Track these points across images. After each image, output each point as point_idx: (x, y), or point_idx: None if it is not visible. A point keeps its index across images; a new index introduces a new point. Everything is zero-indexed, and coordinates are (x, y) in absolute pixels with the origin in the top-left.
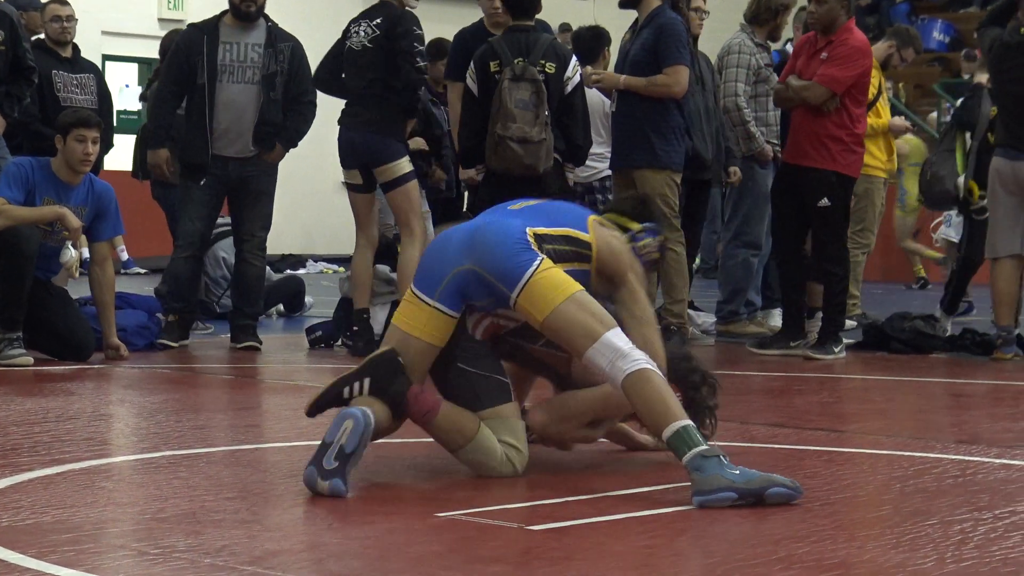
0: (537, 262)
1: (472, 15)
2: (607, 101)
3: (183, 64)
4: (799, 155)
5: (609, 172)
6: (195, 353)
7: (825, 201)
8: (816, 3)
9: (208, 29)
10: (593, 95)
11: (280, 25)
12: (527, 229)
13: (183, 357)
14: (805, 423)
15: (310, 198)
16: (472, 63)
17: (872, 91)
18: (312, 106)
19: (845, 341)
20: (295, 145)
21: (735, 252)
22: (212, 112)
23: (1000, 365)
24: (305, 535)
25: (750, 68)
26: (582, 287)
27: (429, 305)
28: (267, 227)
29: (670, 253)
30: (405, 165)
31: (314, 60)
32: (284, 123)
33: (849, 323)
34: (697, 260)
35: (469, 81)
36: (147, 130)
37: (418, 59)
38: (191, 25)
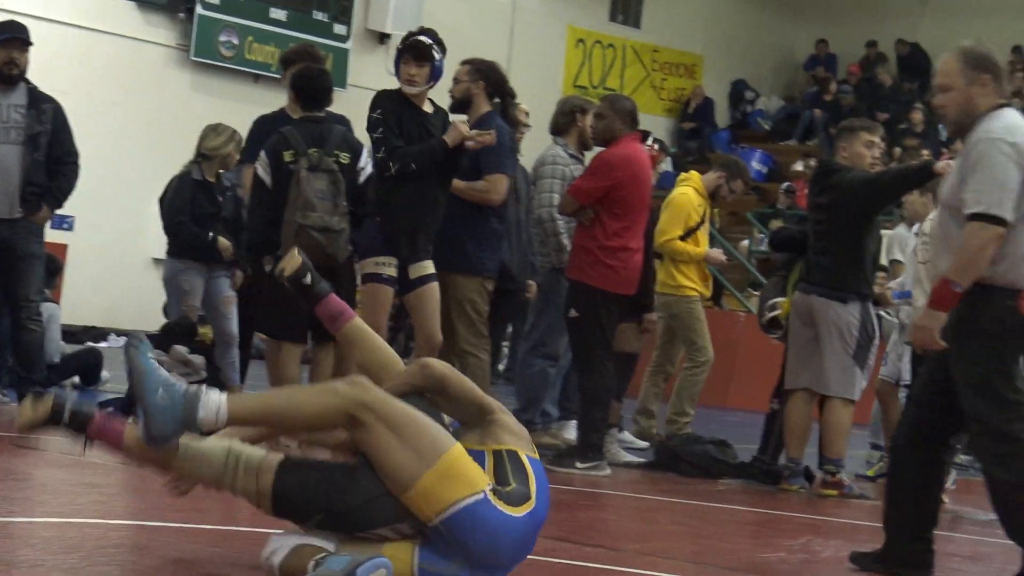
0: None
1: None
2: None
3: None
4: (568, 265)
5: None
6: None
7: (573, 312)
8: (596, 118)
9: None
10: None
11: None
12: None
13: None
14: (586, 539)
15: (120, 272)
16: (264, 152)
17: (695, 218)
18: (76, 167)
19: (634, 459)
20: (60, 206)
21: (533, 362)
22: None
23: (786, 496)
24: None
25: (564, 179)
26: None
27: None
28: (41, 291)
29: (472, 359)
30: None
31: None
32: (49, 184)
33: (641, 443)
34: (500, 366)
35: (260, 170)
36: None
37: None
38: None
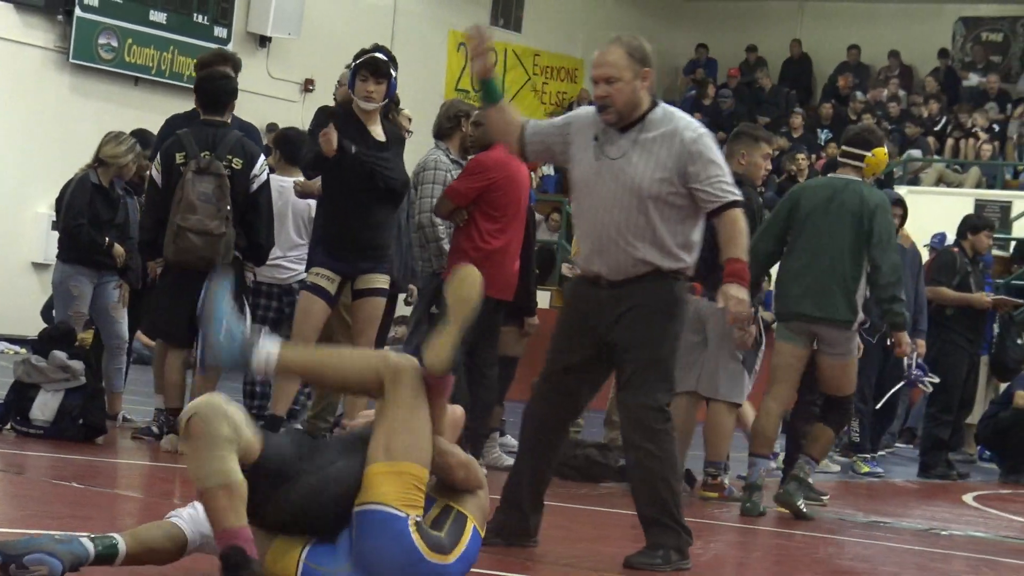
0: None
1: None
2: (312, 204)
3: None
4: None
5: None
6: None
7: (435, 310)
8: (473, 126)
9: None
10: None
11: None
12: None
13: None
14: None
15: None
16: (158, 154)
17: None
18: None
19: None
20: None
21: None
22: None
23: None
24: None
25: (445, 184)
26: None
27: None
28: None
29: None
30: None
31: None
32: None
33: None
34: None
35: (154, 172)
36: None
37: None
38: None
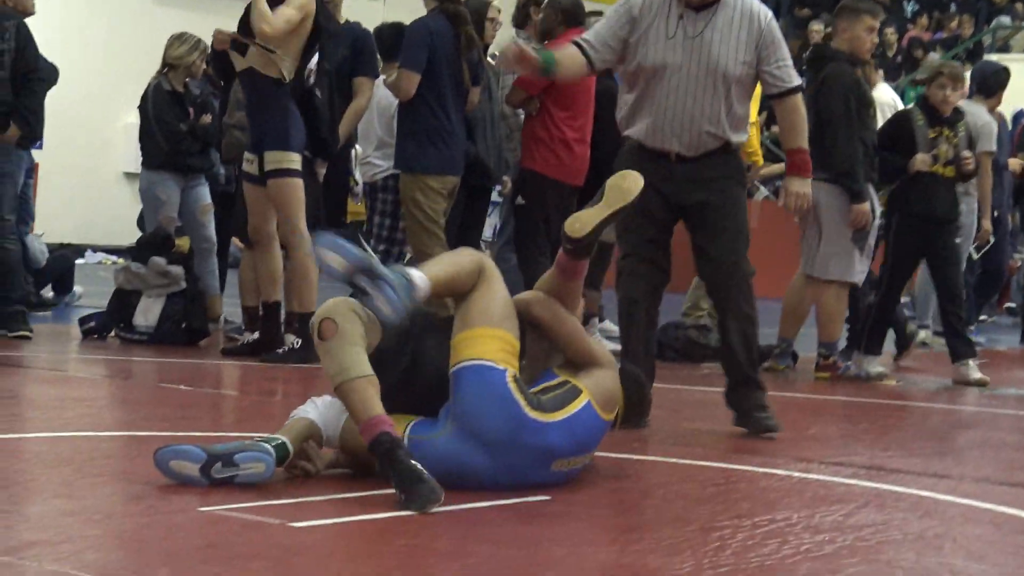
0: None
1: None
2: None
3: None
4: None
5: (394, 171)
6: None
7: (520, 199)
8: (539, 15)
9: None
10: (385, 95)
11: None
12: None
13: None
14: None
15: (91, 188)
16: None
17: None
18: (41, 83)
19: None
20: (30, 124)
21: (508, 256)
22: None
23: (771, 376)
24: (65, 526)
25: None
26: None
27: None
28: (14, 210)
29: (424, 259)
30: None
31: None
32: (15, 102)
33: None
34: None
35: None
36: None
37: None
38: None
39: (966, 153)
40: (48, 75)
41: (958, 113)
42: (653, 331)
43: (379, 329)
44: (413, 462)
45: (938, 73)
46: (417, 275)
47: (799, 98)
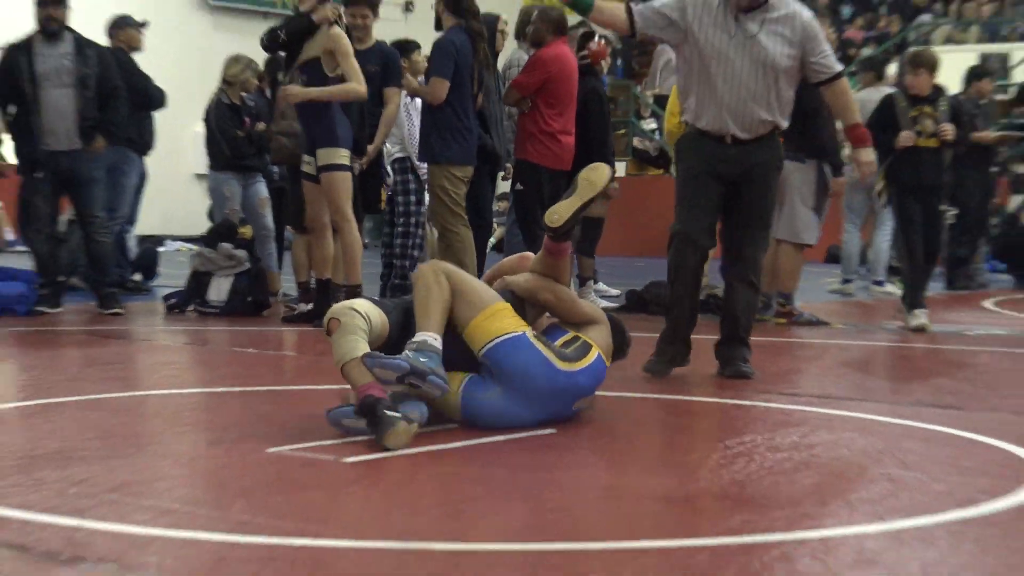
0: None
1: None
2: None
3: (5, 78)
4: (515, 147)
5: (399, 155)
6: (68, 318)
7: (518, 185)
8: (530, 24)
9: (23, 46)
10: None
11: None
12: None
13: (58, 321)
14: None
15: (168, 187)
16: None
17: None
18: (123, 100)
19: (609, 304)
20: (114, 136)
21: (517, 232)
22: (39, 114)
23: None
24: (157, 469)
25: None
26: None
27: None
28: (106, 208)
29: (452, 235)
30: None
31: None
32: (101, 118)
33: (614, 291)
34: (492, 240)
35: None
36: None
37: None
38: (9, 45)
39: (944, 126)
40: (159, 96)
41: (938, 91)
42: (697, 291)
43: (386, 322)
44: (388, 412)
45: (905, 63)
46: (431, 339)
47: (845, 81)
